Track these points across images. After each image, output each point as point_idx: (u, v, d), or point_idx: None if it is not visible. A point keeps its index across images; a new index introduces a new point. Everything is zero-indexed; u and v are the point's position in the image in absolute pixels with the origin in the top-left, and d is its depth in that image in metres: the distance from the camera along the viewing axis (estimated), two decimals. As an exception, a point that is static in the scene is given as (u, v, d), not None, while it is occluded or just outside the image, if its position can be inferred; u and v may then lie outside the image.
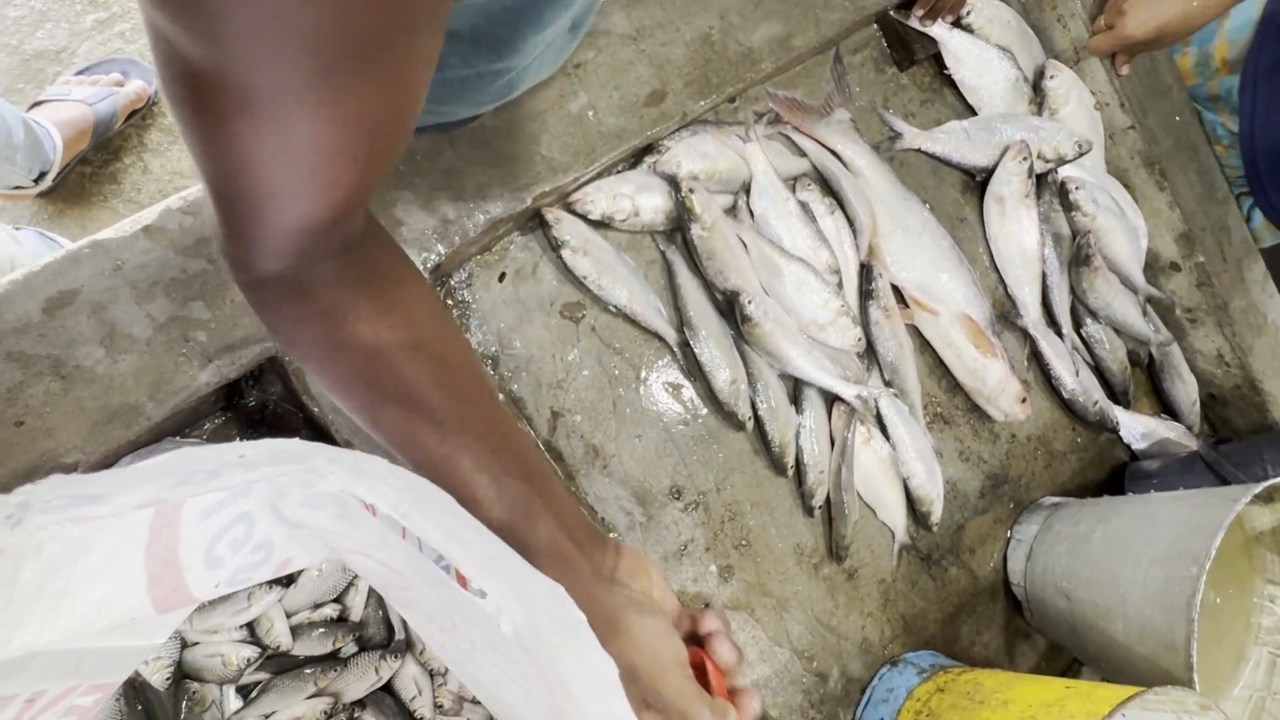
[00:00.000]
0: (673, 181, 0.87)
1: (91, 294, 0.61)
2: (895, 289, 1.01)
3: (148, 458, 0.63)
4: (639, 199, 0.85)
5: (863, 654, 1.00)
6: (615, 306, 0.88)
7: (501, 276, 0.84)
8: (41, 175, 1.34)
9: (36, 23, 1.49)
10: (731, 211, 0.96)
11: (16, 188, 1.34)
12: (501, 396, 0.76)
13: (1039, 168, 1.11)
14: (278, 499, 0.34)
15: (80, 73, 1.46)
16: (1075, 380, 1.13)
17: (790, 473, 0.96)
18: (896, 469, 1.01)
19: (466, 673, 0.41)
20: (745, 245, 0.92)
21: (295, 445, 0.30)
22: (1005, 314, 1.13)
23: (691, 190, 0.85)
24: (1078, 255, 1.15)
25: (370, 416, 0.43)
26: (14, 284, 0.59)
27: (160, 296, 0.63)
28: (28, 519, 0.25)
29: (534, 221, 0.84)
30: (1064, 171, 1.15)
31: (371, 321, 0.41)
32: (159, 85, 0.31)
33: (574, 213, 0.84)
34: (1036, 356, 1.14)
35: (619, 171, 0.88)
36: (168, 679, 0.60)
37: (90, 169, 1.48)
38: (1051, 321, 1.15)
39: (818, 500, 0.96)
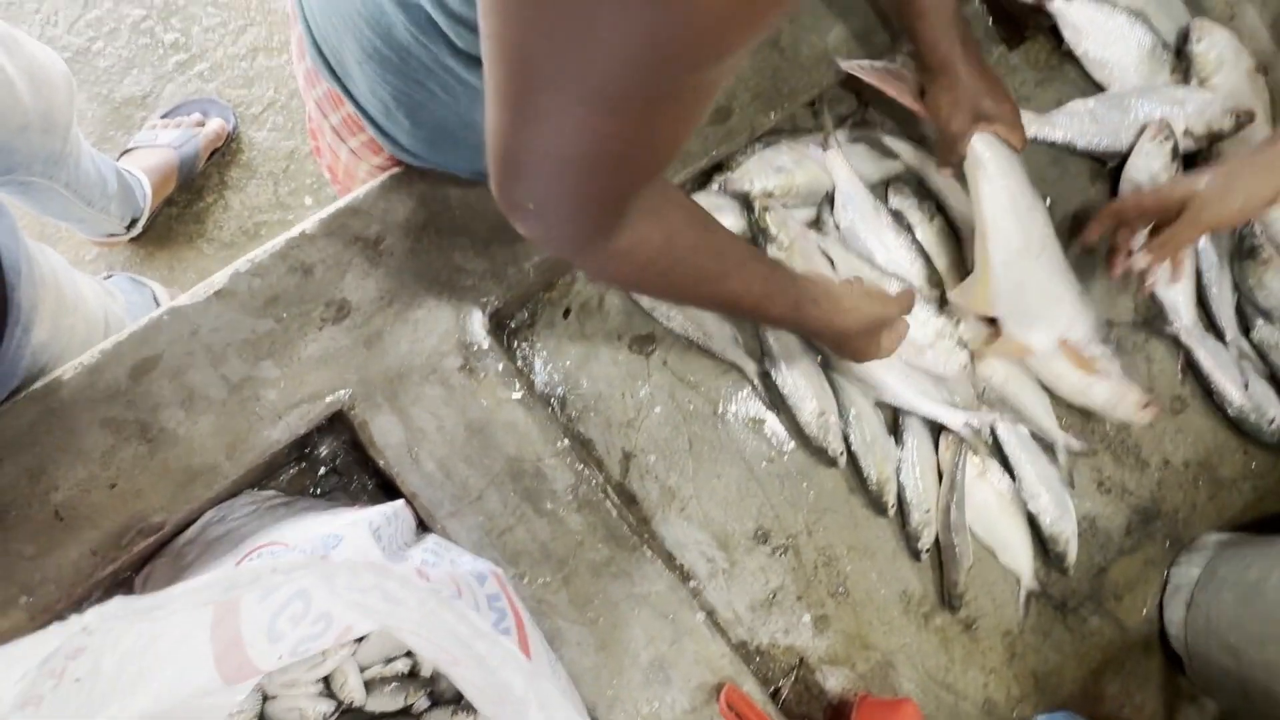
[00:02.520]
0: (744, 200, 0.90)
1: (171, 359, 0.70)
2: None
3: (230, 511, 0.73)
4: (708, 222, 0.88)
5: (986, 716, 0.99)
6: (688, 337, 0.91)
7: (566, 312, 0.90)
8: (133, 222, 1.52)
9: (124, 70, 1.70)
10: (816, 225, 0.97)
11: (110, 235, 1.53)
12: (566, 440, 0.81)
13: (1187, 146, 1.06)
14: (330, 579, 0.40)
15: (165, 115, 1.65)
16: (1244, 394, 1.06)
17: (892, 512, 0.96)
18: (1019, 504, 0.99)
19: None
20: (832, 262, 0.93)
21: (323, 566, 0.36)
22: (1151, 320, 1.08)
23: (765, 209, 0.87)
24: (1241, 247, 1.08)
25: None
26: (104, 353, 0.69)
27: (233, 358, 0.72)
28: (102, 627, 0.31)
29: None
30: (1222, 150, 1.09)
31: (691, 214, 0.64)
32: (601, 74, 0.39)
33: (639, 241, 0.88)
34: (1193, 368, 1.08)
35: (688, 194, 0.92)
36: (251, 733, 0.69)
37: (175, 209, 1.66)
38: (1211, 326, 1.09)
39: (924, 543, 0.95)
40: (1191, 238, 0.94)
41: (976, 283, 0.93)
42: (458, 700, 0.75)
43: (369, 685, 0.72)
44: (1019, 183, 0.91)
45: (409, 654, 0.74)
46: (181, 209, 1.67)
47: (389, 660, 0.73)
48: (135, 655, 0.36)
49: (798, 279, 0.76)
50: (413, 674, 0.74)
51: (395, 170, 0.78)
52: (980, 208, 0.91)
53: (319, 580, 0.40)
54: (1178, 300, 1.06)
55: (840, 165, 0.93)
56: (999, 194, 0.90)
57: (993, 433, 1.00)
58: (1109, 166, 1.08)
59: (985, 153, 0.89)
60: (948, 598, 0.97)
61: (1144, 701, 1.05)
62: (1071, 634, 1.03)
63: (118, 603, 0.31)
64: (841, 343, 0.82)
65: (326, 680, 0.72)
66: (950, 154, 0.92)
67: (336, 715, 0.72)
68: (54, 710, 0.33)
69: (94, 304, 0.87)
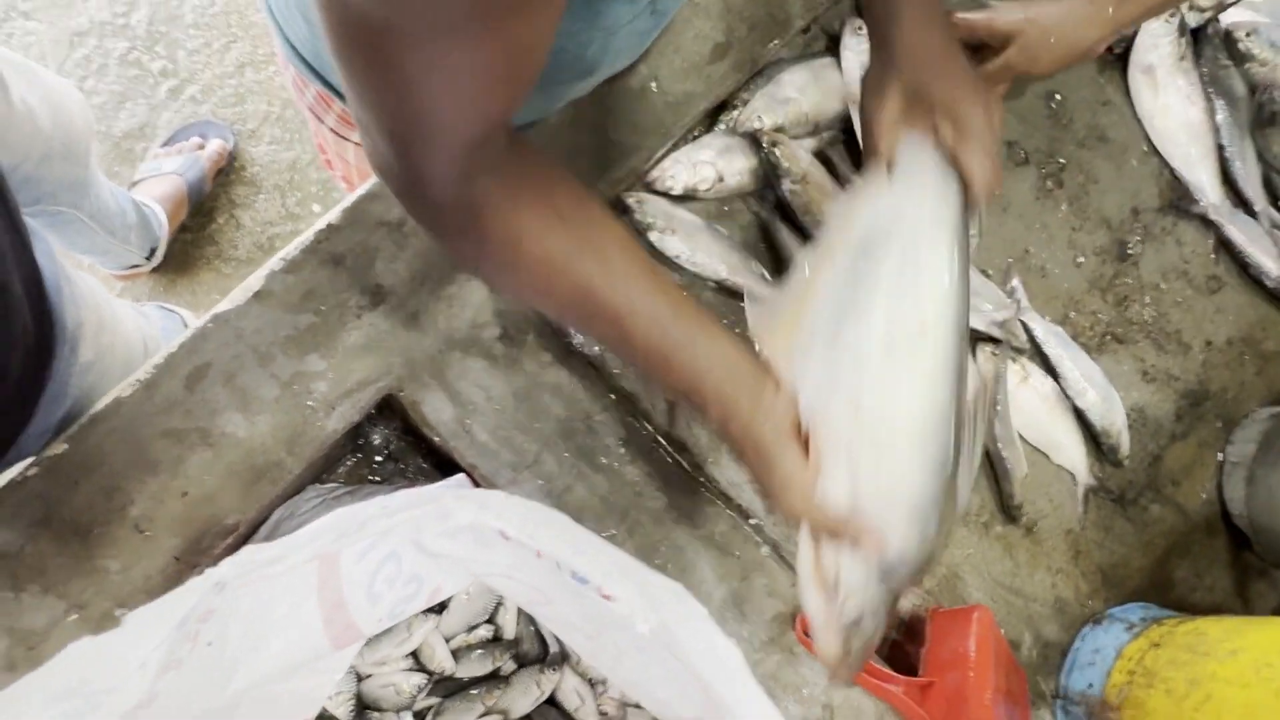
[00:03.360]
0: (753, 139, 0.89)
1: (221, 365, 0.72)
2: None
3: (297, 507, 0.75)
4: (721, 164, 0.88)
5: (1057, 615, 0.99)
6: (716, 281, 0.91)
7: (593, 272, 0.90)
8: (152, 252, 1.54)
9: (118, 105, 1.71)
10: (831, 148, 0.96)
11: (133, 267, 1.55)
12: (612, 395, 0.82)
13: (1193, 21, 1.04)
14: (418, 535, 0.41)
15: (165, 144, 1.66)
16: (1280, 264, 1.05)
17: (940, 430, 0.96)
18: (1065, 404, 0.99)
19: (619, 676, 0.47)
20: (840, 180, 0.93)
21: (427, 490, 0.37)
22: (1177, 203, 1.06)
23: (775, 144, 0.87)
24: (1261, 115, 1.06)
25: (555, 315, 0.69)
26: (158, 367, 0.71)
27: (279, 355, 0.73)
28: (229, 585, 0.33)
29: (616, 210, 0.90)
30: (1228, 18, 1.07)
31: (539, 238, 0.51)
32: (330, 52, 0.41)
33: (655, 192, 0.88)
34: (1225, 246, 1.07)
35: (695, 138, 0.91)
36: (351, 711, 0.71)
37: (190, 235, 1.68)
38: (1239, 200, 1.08)
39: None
40: (1002, 79, 0.83)
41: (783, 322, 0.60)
42: (542, 659, 0.77)
43: (456, 654, 0.75)
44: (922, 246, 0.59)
45: (490, 620, 0.76)
46: (195, 233, 1.69)
47: (472, 628, 0.75)
48: (255, 619, 0.38)
49: (713, 365, 0.54)
50: (496, 638, 0.76)
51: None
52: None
53: (409, 538, 0.42)
54: (1201, 178, 1.05)
55: (854, 71, 0.91)
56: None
57: (1029, 335, 0.99)
58: (1115, 52, 1.06)
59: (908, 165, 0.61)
60: (1005, 509, 0.98)
61: (1213, 582, 1.05)
62: (1133, 525, 1.03)
63: (247, 551, 0.32)
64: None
65: (415, 655, 0.75)
66: (870, 156, 0.67)
67: (430, 686, 0.75)
68: (193, 673, 0.34)
69: (130, 325, 0.89)
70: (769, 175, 0.90)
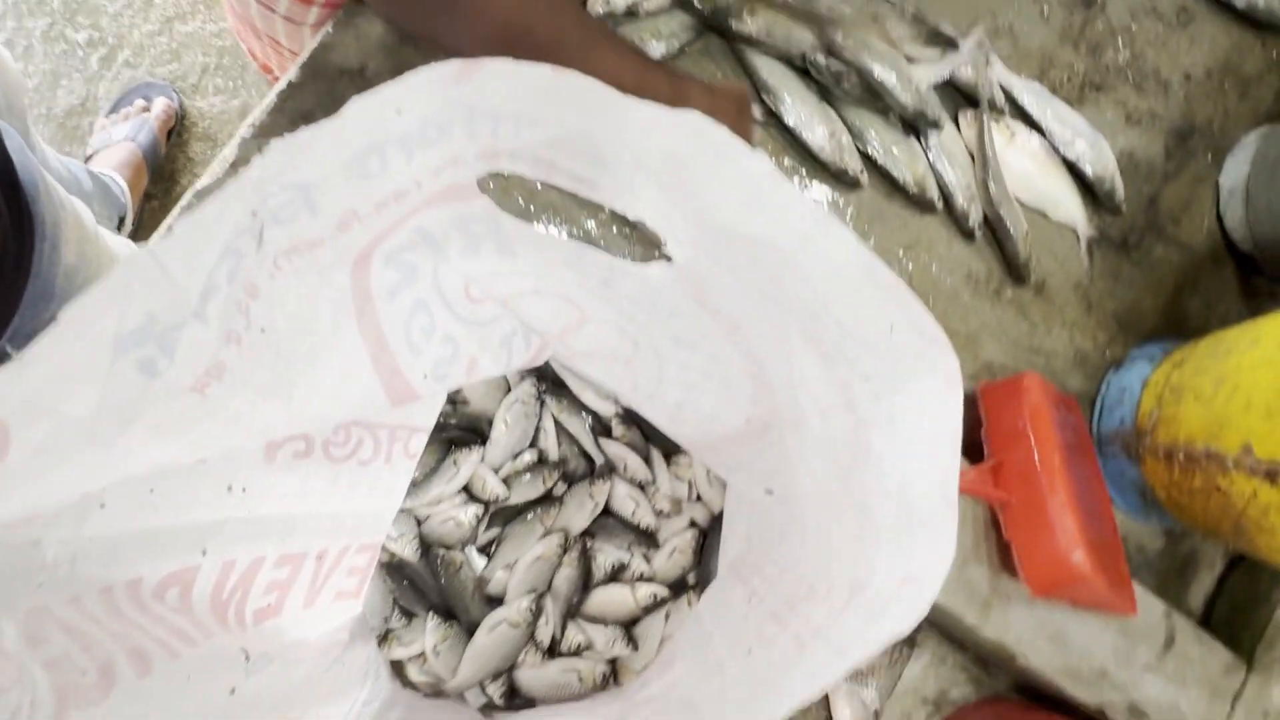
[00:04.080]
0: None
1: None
2: None
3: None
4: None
5: (1080, 366, 1.01)
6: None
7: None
8: (121, 220, 1.52)
9: (53, 84, 1.67)
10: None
11: (106, 240, 1.53)
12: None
13: None
14: (442, 273, 0.41)
15: (109, 113, 1.62)
16: (1247, -19, 1.03)
17: (939, 204, 0.96)
18: (1055, 157, 0.99)
19: (664, 398, 0.47)
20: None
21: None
22: (1135, -62, 1.04)
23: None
24: None
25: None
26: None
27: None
28: (266, 240, 0.33)
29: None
30: None
31: None
32: None
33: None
34: (1190, -28, 1.05)
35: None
36: (417, 549, 0.73)
37: (156, 202, 1.66)
38: (1197, -75, 1.05)
39: (974, 220, 0.96)
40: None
41: None
42: (590, 474, 0.78)
43: (506, 482, 0.76)
44: None
45: (533, 444, 0.77)
46: (162, 199, 1.66)
47: (516, 455, 0.77)
48: (300, 321, 0.38)
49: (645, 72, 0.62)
50: (541, 460, 0.77)
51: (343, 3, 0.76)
52: None
53: (434, 271, 0.42)
54: (1157, -92, 1.02)
55: None
56: None
57: (1009, 97, 0.98)
58: None
59: None
60: (1012, 270, 0.98)
61: (1226, 311, 1.06)
62: (1140, 268, 1.03)
63: (276, 149, 0.32)
64: None
65: (468, 491, 0.76)
66: None
67: (487, 517, 0.76)
68: (253, 360, 0.35)
69: (115, 246, 0.88)
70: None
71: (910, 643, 0.96)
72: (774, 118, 0.93)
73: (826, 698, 0.91)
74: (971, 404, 0.97)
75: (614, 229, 0.81)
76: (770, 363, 0.40)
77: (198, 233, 0.32)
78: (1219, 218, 1.06)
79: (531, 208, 0.79)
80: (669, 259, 0.36)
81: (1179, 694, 0.92)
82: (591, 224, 0.81)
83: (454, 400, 0.75)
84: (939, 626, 0.95)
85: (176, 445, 0.36)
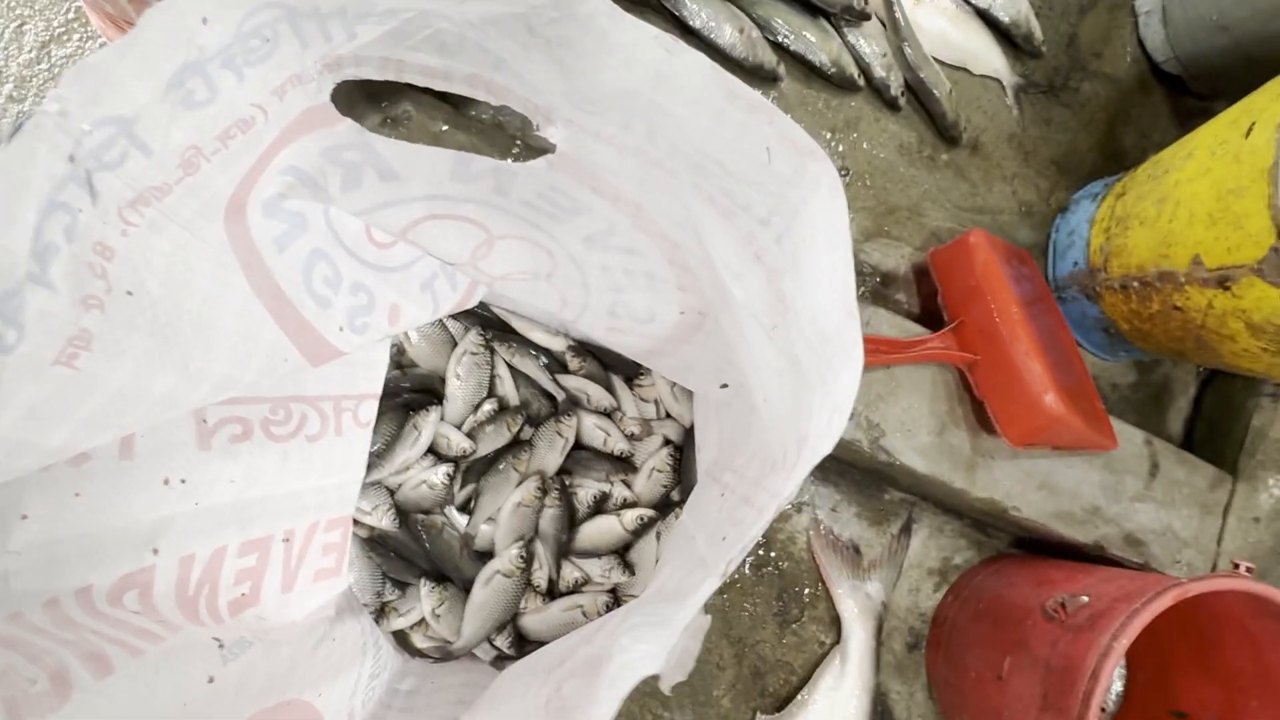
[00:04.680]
0: None
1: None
2: None
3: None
4: None
5: (1026, 219, 1.00)
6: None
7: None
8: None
9: (-61, 134, 1.59)
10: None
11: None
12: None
13: None
14: (335, 218, 0.39)
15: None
16: None
17: (860, 80, 0.94)
18: (967, 9, 0.96)
19: (597, 315, 0.46)
20: None
21: None
22: None
23: None
24: None
25: None
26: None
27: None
28: (100, 190, 0.30)
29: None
30: None
31: None
32: None
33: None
34: None
35: None
36: (395, 519, 0.72)
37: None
38: None
39: (895, 88, 0.94)
40: None
41: None
42: (555, 412, 0.77)
43: (471, 436, 0.75)
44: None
45: (491, 394, 0.76)
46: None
47: (476, 407, 0.75)
48: (176, 283, 0.36)
49: None
50: (503, 408, 0.76)
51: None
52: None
53: (326, 221, 0.39)
54: None
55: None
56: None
57: (912, -45, 0.96)
58: None
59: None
60: (943, 132, 0.97)
61: (1161, 138, 1.06)
62: (1070, 109, 1.02)
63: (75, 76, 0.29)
64: None
65: (435, 453, 0.75)
66: None
67: (460, 475, 0.75)
68: (125, 325, 0.33)
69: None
70: None
71: (906, 530, 0.97)
72: (681, 26, 0.89)
73: (831, 600, 0.92)
74: (925, 274, 0.96)
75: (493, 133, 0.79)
76: (682, 240, 0.38)
77: (3, 182, 0.29)
78: (1140, 43, 1.04)
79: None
80: (551, 150, 0.34)
81: (1171, 516, 0.94)
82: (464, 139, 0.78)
83: (401, 364, 0.73)
84: (931, 497, 0.95)
85: (71, 432, 0.34)
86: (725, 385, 0.53)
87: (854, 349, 0.33)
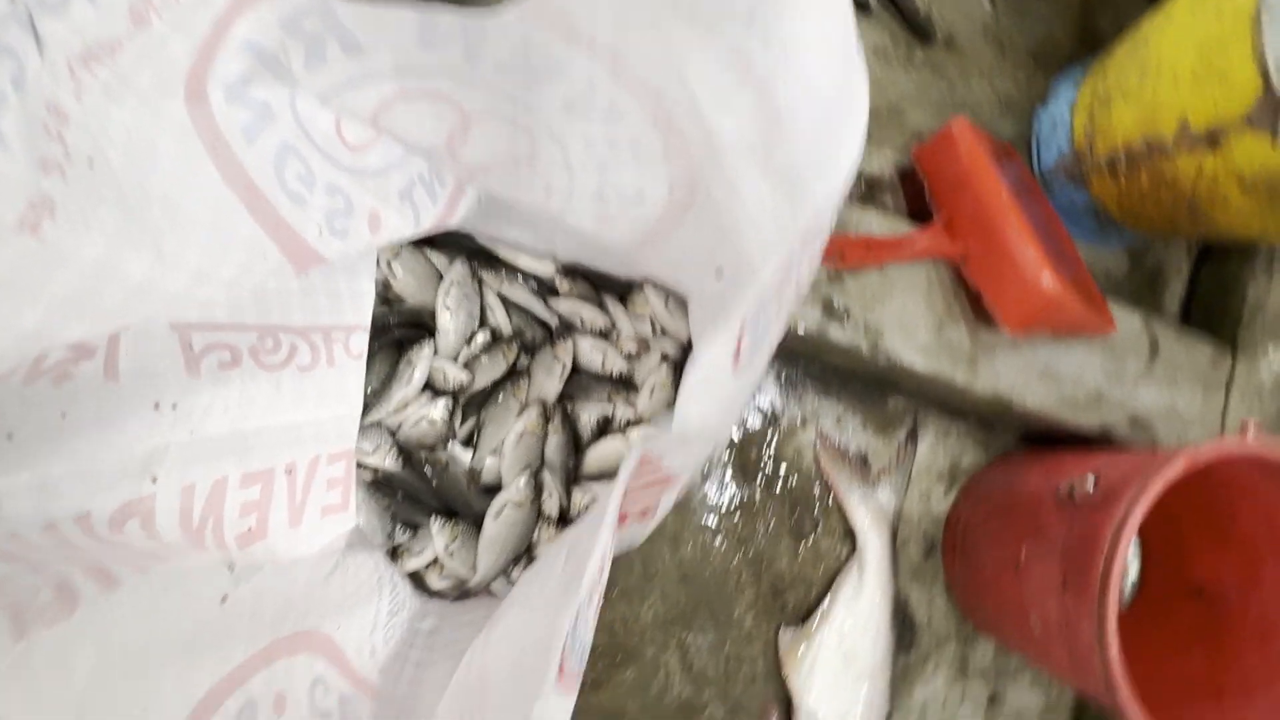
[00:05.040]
0: None
1: None
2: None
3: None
4: None
5: (1007, 112, 0.99)
6: None
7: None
8: None
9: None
10: None
11: None
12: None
13: None
14: (301, 109, 0.37)
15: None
16: None
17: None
18: (931, -100, 0.94)
19: (583, 201, 0.44)
20: None
21: None
22: None
23: None
24: None
25: None
26: None
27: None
28: (45, 38, 0.29)
29: None
30: None
31: None
32: None
33: None
34: None
35: None
36: (398, 458, 0.71)
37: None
38: None
39: (866, -14, 0.92)
40: None
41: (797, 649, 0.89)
42: (549, 338, 0.76)
43: (467, 369, 0.74)
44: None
45: (483, 325, 0.75)
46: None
47: (469, 339, 0.74)
48: (137, 156, 0.34)
49: None
50: (496, 338, 0.75)
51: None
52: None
53: (293, 109, 0.38)
54: None
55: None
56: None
57: None
58: None
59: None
60: (916, 29, 0.95)
61: (1136, 16, 1.04)
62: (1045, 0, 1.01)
63: None
64: None
65: (431, 389, 0.74)
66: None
67: (458, 408, 0.74)
68: (82, 197, 0.31)
69: None
70: None
71: (912, 436, 0.96)
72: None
73: (842, 512, 0.92)
74: (910, 177, 0.95)
75: None
76: (665, 87, 0.37)
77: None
78: (1108, -76, 1.03)
79: None
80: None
81: (1174, 395, 0.94)
82: None
83: (388, 299, 0.72)
84: (935, 399, 0.95)
85: (44, 313, 0.32)
86: (720, 270, 0.51)
87: (858, 97, 0.32)
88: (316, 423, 0.57)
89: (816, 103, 0.32)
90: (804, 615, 0.92)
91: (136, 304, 0.35)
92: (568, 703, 0.33)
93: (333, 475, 0.59)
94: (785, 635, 0.91)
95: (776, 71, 0.32)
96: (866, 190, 0.95)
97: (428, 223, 0.53)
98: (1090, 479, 0.80)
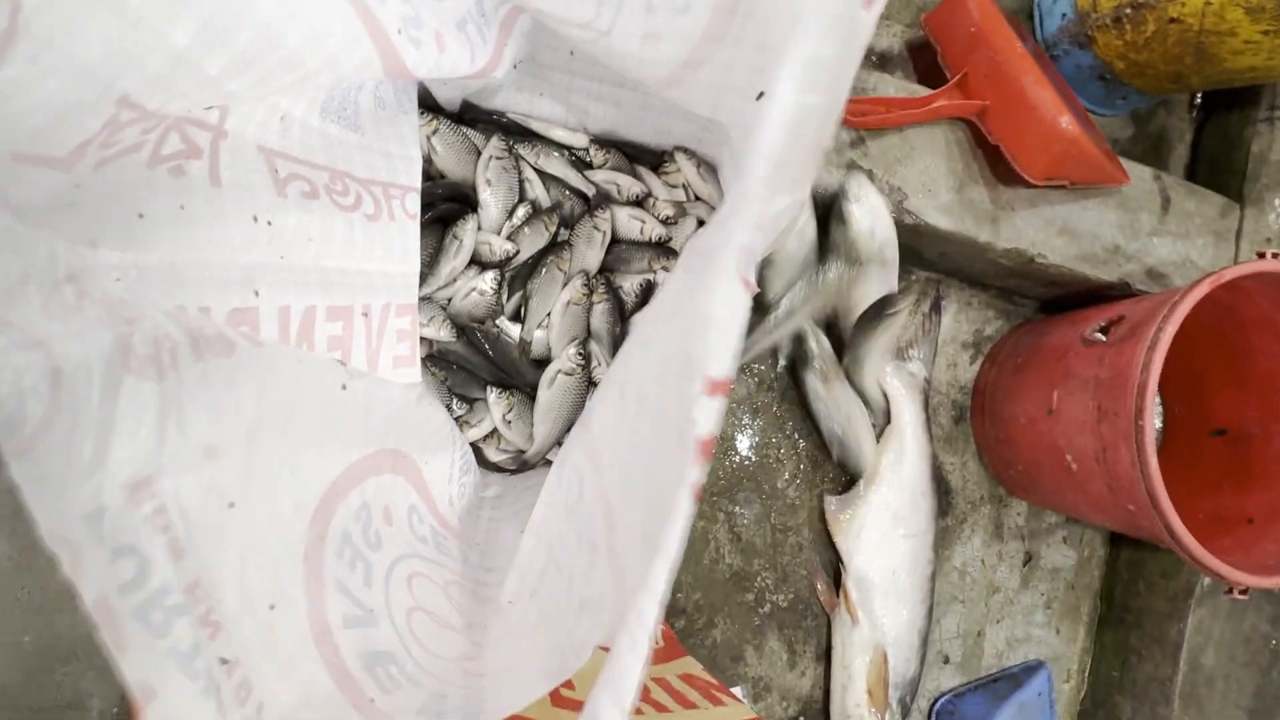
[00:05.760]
0: None
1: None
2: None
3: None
4: None
5: None
6: None
7: None
8: None
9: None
10: None
11: None
12: None
13: None
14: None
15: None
16: None
17: None
18: None
19: (633, 17, 0.46)
20: None
21: None
22: None
23: None
24: None
25: None
26: None
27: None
28: None
29: None
30: None
31: None
32: None
33: None
34: None
35: None
36: (453, 330, 0.73)
37: None
38: None
39: None
40: None
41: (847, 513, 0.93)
42: (588, 209, 0.78)
43: (510, 239, 0.76)
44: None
45: (523, 199, 0.77)
46: None
47: (510, 212, 0.76)
48: None
49: None
50: (536, 211, 0.77)
51: None
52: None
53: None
54: None
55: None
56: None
57: None
58: None
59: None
60: (916, -95, 0.97)
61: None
62: None
63: None
64: None
65: (477, 263, 0.76)
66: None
67: (506, 276, 0.76)
68: None
69: None
70: None
71: (936, 307, 0.99)
72: None
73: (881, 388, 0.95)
74: (920, 49, 0.97)
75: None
76: None
77: None
78: None
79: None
80: None
81: (1187, 247, 0.97)
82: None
83: (430, 175, 0.74)
84: (957, 269, 0.98)
85: (193, 34, 0.33)
86: (761, 94, 0.53)
87: None
88: (385, 274, 0.59)
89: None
90: (845, 485, 0.95)
91: (253, 60, 0.36)
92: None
93: (401, 327, 0.61)
94: (831, 502, 0.94)
95: None
96: (878, 66, 0.97)
97: (480, 62, 0.55)
98: (1117, 317, 0.83)
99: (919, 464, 0.94)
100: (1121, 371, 0.77)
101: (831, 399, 0.92)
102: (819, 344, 0.91)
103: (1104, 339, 0.83)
